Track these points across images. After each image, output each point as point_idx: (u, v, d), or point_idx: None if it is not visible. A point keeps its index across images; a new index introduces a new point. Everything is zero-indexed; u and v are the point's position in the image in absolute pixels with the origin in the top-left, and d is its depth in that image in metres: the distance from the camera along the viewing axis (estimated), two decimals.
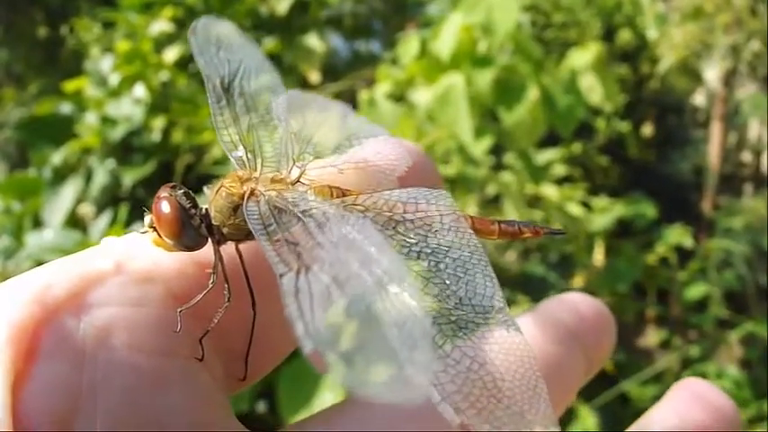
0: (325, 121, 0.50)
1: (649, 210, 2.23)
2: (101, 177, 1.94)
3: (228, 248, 0.44)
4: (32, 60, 3.67)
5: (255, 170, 0.47)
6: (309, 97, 0.51)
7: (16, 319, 0.35)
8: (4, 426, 0.33)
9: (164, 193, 0.43)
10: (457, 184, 1.64)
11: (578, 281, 2.22)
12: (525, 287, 1.76)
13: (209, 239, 0.43)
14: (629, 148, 3.09)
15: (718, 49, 2.89)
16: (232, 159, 0.48)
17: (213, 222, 0.44)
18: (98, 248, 0.41)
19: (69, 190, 1.95)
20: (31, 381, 0.34)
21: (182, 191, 0.44)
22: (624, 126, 3.05)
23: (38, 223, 1.98)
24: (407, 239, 0.43)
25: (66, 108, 2.15)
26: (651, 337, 2.48)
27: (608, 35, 3.03)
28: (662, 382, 2.10)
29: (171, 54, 2.17)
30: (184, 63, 2.21)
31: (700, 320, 2.31)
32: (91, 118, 2.03)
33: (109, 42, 2.47)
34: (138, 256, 0.41)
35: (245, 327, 0.42)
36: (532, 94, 1.52)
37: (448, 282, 0.40)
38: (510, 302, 1.75)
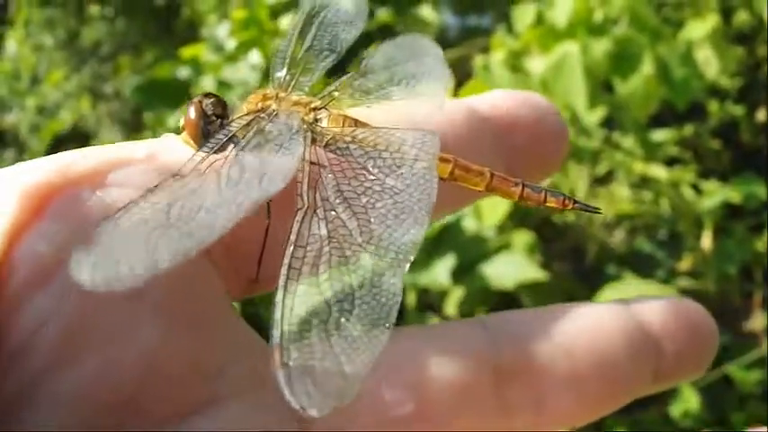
0: (405, 67, 0.50)
1: (761, 190, 2.17)
2: None
3: None
4: (148, 30, 3.77)
5: (286, 91, 0.49)
6: (422, 43, 0.52)
7: (34, 180, 0.38)
8: None
9: (196, 99, 0.46)
10: (569, 156, 1.62)
11: (685, 263, 2.18)
12: (633, 264, 1.74)
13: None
14: (742, 132, 3.00)
15: None
16: (272, 77, 0.50)
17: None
18: (144, 140, 0.44)
19: None
20: (30, 233, 0.36)
21: (213, 99, 0.46)
22: (738, 110, 2.96)
23: None
24: (367, 175, 0.42)
25: (183, 72, 2.20)
26: (758, 320, 2.42)
27: (724, 16, 2.94)
28: (767, 366, 2.04)
29: (286, 21, 2.21)
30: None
31: None
32: (207, 82, 2.08)
33: (224, 12, 2.52)
34: (174, 151, 0.43)
35: (260, 234, 0.43)
36: (648, 64, 1.50)
37: (372, 220, 0.39)
38: (615, 279, 1.74)
